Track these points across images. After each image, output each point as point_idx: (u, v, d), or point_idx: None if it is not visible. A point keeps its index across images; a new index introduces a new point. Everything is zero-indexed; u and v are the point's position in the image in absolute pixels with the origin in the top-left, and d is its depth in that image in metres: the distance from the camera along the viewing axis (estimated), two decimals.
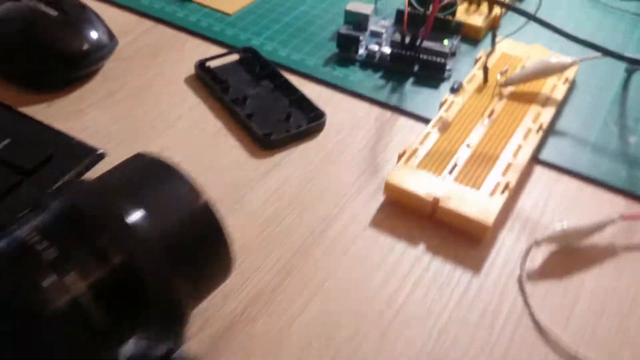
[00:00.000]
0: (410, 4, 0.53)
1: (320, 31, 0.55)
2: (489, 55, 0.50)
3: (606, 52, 0.45)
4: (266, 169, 0.42)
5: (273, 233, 0.38)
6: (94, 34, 0.49)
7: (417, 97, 0.48)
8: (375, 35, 0.54)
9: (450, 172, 0.40)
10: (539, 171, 0.43)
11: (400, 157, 0.41)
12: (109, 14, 0.55)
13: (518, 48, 0.51)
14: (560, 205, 0.40)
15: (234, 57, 0.52)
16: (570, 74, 0.48)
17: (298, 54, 0.52)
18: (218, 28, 0.55)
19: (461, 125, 0.43)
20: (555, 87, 0.47)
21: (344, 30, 0.52)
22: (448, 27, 0.54)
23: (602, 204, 0.41)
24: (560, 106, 0.47)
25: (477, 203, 0.38)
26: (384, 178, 0.40)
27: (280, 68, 0.51)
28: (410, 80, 0.50)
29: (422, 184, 0.39)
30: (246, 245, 0.37)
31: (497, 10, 0.56)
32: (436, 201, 0.38)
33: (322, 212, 0.40)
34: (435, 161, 0.41)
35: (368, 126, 0.46)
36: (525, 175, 0.42)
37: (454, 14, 0.54)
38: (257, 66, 0.50)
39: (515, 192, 0.41)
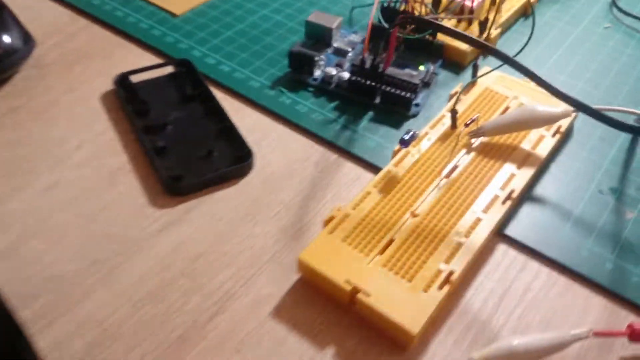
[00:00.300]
0: (378, 21, 0.44)
1: (278, 44, 0.47)
2: (465, 90, 0.41)
3: (593, 114, 0.36)
4: (165, 223, 0.35)
5: (148, 316, 0.31)
6: (5, 38, 0.42)
7: (373, 137, 0.40)
8: (340, 53, 0.45)
9: (382, 251, 0.32)
10: (501, 251, 0.34)
11: (326, 223, 0.33)
12: (43, 9, 0.48)
13: (507, 83, 0.42)
14: (520, 302, 0.32)
15: (168, 70, 0.44)
16: (564, 123, 0.39)
17: (244, 70, 0.44)
18: (158, 32, 0.47)
19: (411, 185, 0.35)
20: (541, 139, 0.38)
21: (297, 47, 0.43)
22: (428, 49, 0.45)
23: (575, 304, 0.32)
24: (545, 164, 0.38)
25: (405, 301, 0.29)
26: (305, 247, 0.32)
27: (218, 87, 0.43)
28: (370, 114, 0.41)
29: (342, 266, 0.31)
30: (111, 329, 0.30)
31: (493, 30, 0.46)
32: (355, 291, 0.30)
33: (219, 289, 0.32)
34: (367, 234, 0.32)
35: (305, 172, 0.38)
36: (480, 258, 0.33)
37: (435, 33, 0.45)
38: (188, 84, 0.43)
39: (462, 282, 0.32)
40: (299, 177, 0.38)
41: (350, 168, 0.38)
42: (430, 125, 0.38)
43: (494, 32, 0.46)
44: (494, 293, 0.32)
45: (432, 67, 0.44)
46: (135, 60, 0.45)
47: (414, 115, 0.41)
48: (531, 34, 0.37)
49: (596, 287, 0.32)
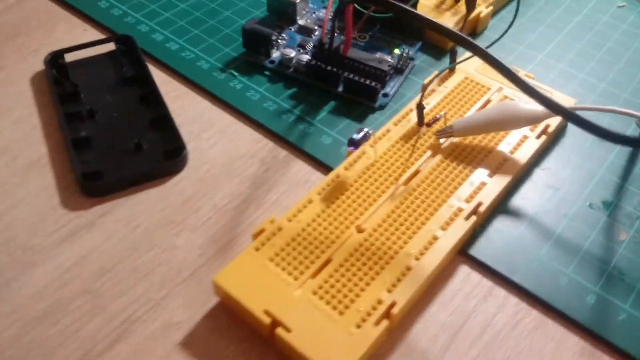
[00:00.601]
0: None
1: (238, 18, 0.42)
2: (441, 79, 0.35)
3: (575, 121, 0.29)
4: (73, 228, 0.30)
5: (38, 340, 0.26)
6: None
7: (331, 132, 0.34)
8: (305, 32, 0.39)
9: (316, 274, 0.27)
10: (462, 275, 0.29)
11: (255, 237, 0.28)
12: None
13: (490, 72, 0.36)
14: (477, 341, 0.26)
15: (109, 47, 0.39)
16: (553, 122, 0.33)
17: (194, 49, 0.39)
18: (105, 4, 0.42)
19: (362, 193, 0.29)
20: (523, 140, 0.32)
21: (251, 24, 0.38)
22: (407, 30, 0.39)
23: (546, 345, 0.26)
24: (526, 171, 0.32)
25: (332, 338, 0.24)
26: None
27: (164, 68, 0.38)
28: (331, 104, 0.36)
29: (264, 292, 0.26)
30: None
31: (483, 8, 0.40)
32: (275, 324, 0.25)
33: (123, 311, 0.27)
34: (301, 253, 0.27)
35: (248, 171, 0.33)
36: (435, 283, 0.28)
37: (414, 7, 0.39)
38: (128, 64, 0.38)
39: (410, 313, 0.27)
40: (239, 177, 0.33)
41: (300, 168, 0.33)
42: (394, 121, 0.33)
43: (485, 11, 0.40)
44: (446, 328, 0.27)
45: (408, 51, 0.38)
46: (78, 36, 0.40)
47: (382, 107, 0.36)
48: (514, 19, 0.31)
49: (573, 325, 0.27)
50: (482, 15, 0.40)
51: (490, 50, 0.28)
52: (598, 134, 0.28)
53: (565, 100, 0.34)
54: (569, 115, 0.28)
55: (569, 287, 0.28)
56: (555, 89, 0.35)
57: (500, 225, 0.30)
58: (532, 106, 0.31)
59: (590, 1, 0.44)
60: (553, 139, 0.34)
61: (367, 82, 0.35)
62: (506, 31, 0.31)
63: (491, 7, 0.40)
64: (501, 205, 0.31)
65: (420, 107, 0.32)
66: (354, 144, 0.30)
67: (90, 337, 0.26)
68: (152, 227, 0.30)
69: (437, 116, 0.31)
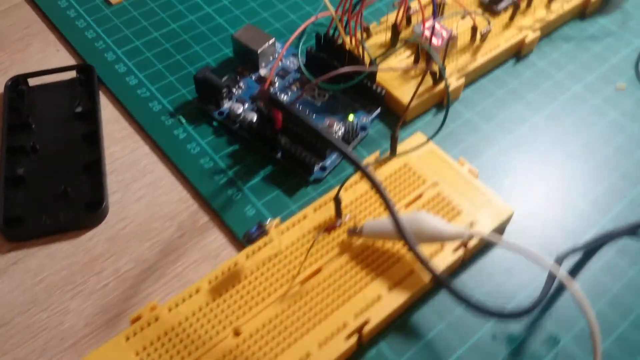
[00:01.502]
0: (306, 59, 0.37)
1: (205, 55, 0.41)
2: (379, 163, 0.33)
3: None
4: None
5: None
6: None
7: (257, 203, 0.34)
8: (265, 82, 0.38)
9: None
10: None
11: (132, 322, 0.28)
12: None
13: (434, 161, 0.34)
14: None
15: (71, 74, 0.39)
16: (473, 240, 0.31)
17: (151, 87, 0.39)
18: (82, 24, 0.42)
19: (253, 288, 0.29)
20: (435, 253, 0.30)
21: (204, 71, 0.37)
22: (369, 94, 0.37)
23: None
24: (431, 289, 0.30)
25: None
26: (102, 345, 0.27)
27: (116, 104, 0.38)
28: (269, 169, 0.35)
29: None
30: None
31: (454, 80, 0.38)
32: None
33: None
34: (168, 351, 0.27)
35: (163, 234, 0.33)
36: None
37: (371, 78, 0.37)
38: (84, 97, 0.38)
39: None
40: (152, 240, 0.32)
41: (215, 239, 0.33)
42: (314, 207, 0.32)
43: (456, 83, 0.37)
44: None
45: (363, 118, 0.36)
46: (49, 56, 0.41)
47: (317, 181, 0.35)
48: (440, 126, 0.29)
49: None
50: (452, 87, 0.37)
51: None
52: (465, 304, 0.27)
53: (503, 208, 0.32)
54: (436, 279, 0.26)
55: None
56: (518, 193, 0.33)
57: (387, 350, 0.29)
58: (441, 225, 0.29)
59: (587, 77, 0.40)
60: (474, 254, 0.32)
61: (304, 155, 0.34)
62: (435, 133, 0.29)
63: (462, 80, 0.38)
64: (396, 323, 0.29)
65: (337, 201, 0.30)
66: (249, 239, 0.29)
67: None
68: (54, 284, 0.31)
69: (344, 219, 0.29)
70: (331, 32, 0.37)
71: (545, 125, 0.37)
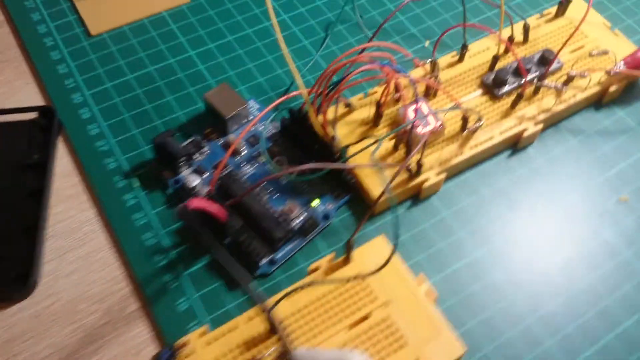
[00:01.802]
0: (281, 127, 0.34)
1: (177, 107, 0.38)
2: (331, 268, 0.30)
3: None
4: None
5: None
6: None
7: (192, 295, 0.31)
8: (233, 153, 0.35)
9: None
10: None
11: None
12: None
13: (392, 275, 0.30)
14: None
15: (32, 115, 0.37)
16: None
17: (111, 140, 0.36)
18: (57, 56, 0.40)
19: None
20: None
21: (164, 136, 0.34)
22: (340, 180, 0.34)
23: None
24: None
25: None
26: None
27: (72, 154, 0.36)
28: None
29: None
30: None
31: (431, 175, 0.34)
32: None
33: None
34: None
35: (87, 319, 0.31)
36: None
37: (340, 156, 0.34)
38: (39, 144, 0.36)
39: None
40: (76, 324, 0.30)
41: (140, 332, 0.30)
42: (250, 315, 0.29)
43: (434, 179, 0.34)
44: None
45: (329, 205, 0.33)
46: (18, 88, 0.39)
47: (263, 277, 0.32)
48: (392, 254, 0.25)
49: None
50: (430, 183, 0.33)
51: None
52: None
53: (454, 346, 0.28)
54: None
55: None
56: None
57: None
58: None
59: (588, 182, 0.36)
60: None
61: (251, 247, 0.31)
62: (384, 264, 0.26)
63: (443, 175, 0.34)
64: None
65: (269, 314, 0.28)
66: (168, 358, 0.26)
67: None
68: None
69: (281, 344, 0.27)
70: (305, 109, 0.34)
71: (525, 237, 0.33)
